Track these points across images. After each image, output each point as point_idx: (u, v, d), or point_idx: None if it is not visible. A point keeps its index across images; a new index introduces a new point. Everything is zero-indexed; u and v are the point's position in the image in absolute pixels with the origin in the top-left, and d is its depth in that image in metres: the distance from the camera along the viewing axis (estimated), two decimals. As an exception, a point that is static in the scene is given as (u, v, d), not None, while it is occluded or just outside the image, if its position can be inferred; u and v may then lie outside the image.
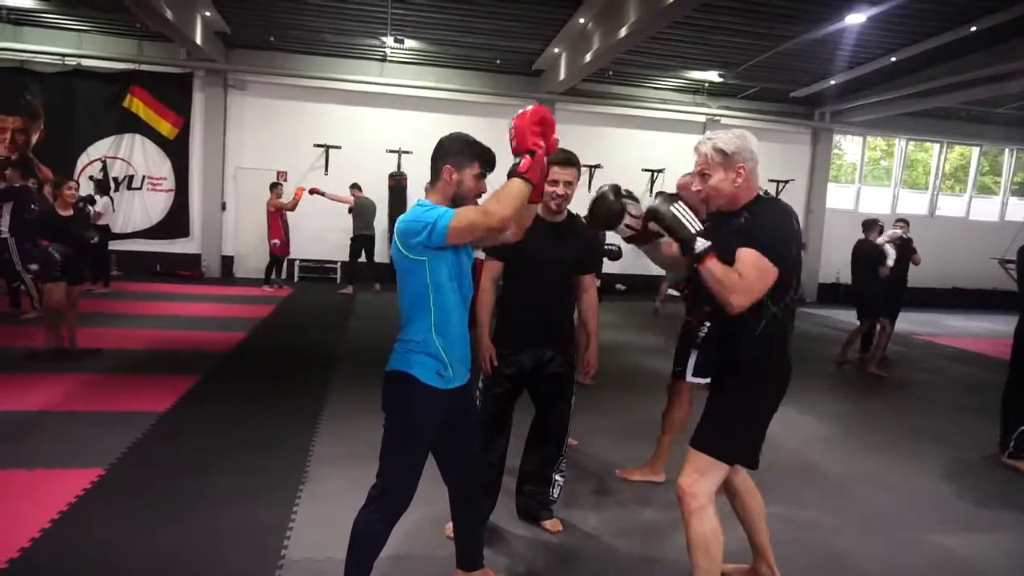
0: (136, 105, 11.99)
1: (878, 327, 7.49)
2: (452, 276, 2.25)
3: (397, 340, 2.33)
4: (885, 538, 3.36)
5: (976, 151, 15.45)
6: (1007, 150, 15.60)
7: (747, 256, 2.17)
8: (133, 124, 12.03)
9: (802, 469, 4.26)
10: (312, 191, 10.98)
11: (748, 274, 2.16)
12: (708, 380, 3.63)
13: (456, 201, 2.27)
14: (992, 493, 4.09)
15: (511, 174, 2.17)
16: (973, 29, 8.60)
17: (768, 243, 2.18)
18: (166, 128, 12.16)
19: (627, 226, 2.57)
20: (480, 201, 2.31)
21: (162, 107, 12.09)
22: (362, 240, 11.02)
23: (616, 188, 2.57)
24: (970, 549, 3.30)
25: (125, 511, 3.14)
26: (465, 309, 2.35)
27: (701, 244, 2.19)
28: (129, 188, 12.07)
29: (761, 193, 2.33)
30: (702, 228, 2.22)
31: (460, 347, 2.33)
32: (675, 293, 6.00)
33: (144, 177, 12.18)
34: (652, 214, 2.30)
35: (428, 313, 2.24)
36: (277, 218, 10.86)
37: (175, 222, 12.34)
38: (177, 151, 12.23)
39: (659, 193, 2.34)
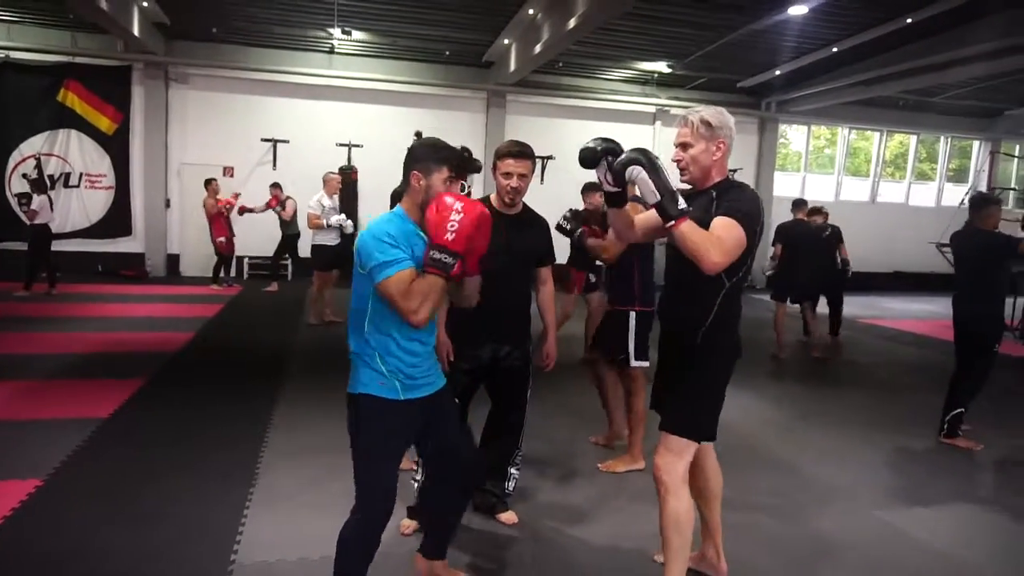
0: (71, 99, 11.49)
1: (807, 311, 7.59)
2: None
3: (352, 352, 2.25)
4: (831, 515, 3.45)
5: (914, 139, 15.99)
6: (942, 138, 16.19)
7: (722, 221, 2.19)
8: (69, 119, 11.53)
9: (753, 451, 4.35)
10: (241, 210, 10.41)
11: (724, 236, 2.17)
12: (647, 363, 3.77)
13: (426, 207, 2.18)
14: (932, 469, 4.25)
15: (433, 266, 2.07)
16: (909, 21, 8.88)
17: (741, 214, 2.21)
18: (104, 123, 11.69)
19: (605, 179, 2.36)
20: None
21: (99, 101, 11.62)
22: (292, 240, 10.55)
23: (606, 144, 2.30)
24: (910, 522, 3.42)
25: (66, 521, 3.02)
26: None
27: (681, 203, 2.14)
28: (66, 186, 11.59)
29: (729, 177, 2.39)
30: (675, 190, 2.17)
31: (426, 357, 2.28)
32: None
33: (82, 174, 11.70)
34: (631, 161, 2.17)
35: (379, 322, 2.18)
36: (219, 216, 10.50)
37: (116, 220, 11.90)
38: (117, 147, 11.78)
39: (636, 149, 2.23)
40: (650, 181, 2.13)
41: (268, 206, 10.20)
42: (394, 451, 2.28)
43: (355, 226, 8.24)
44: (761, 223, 2.32)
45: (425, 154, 2.23)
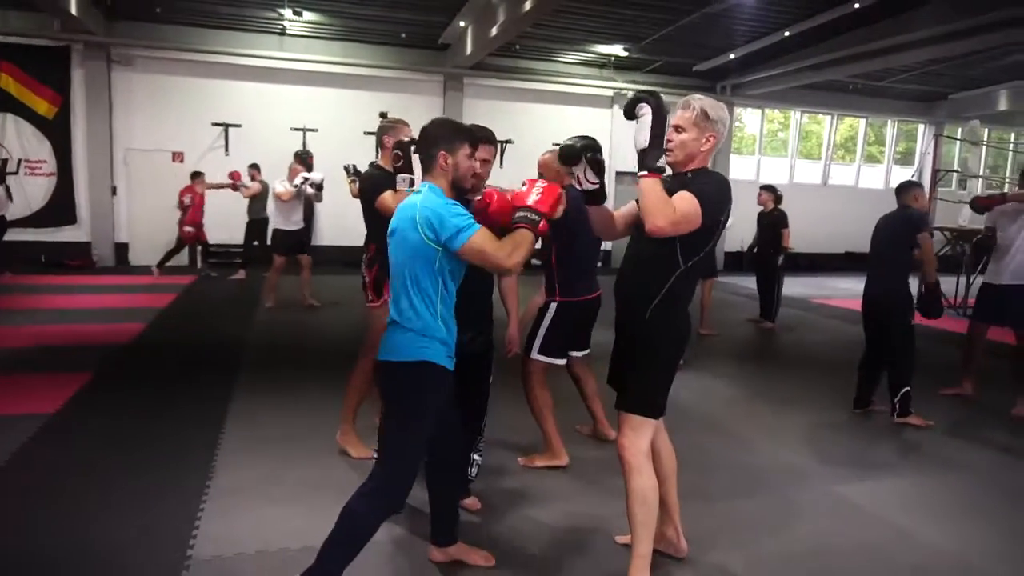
0: (6, 81, 10.97)
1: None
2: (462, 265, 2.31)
3: (401, 323, 2.28)
4: (786, 491, 3.54)
5: (863, 123, 16.41)
6: (889, 122, 16.65)
7: (683, 194, 2.25)
8: (4, 103, 11.02)
9: (709, 429, 4.43)
10: (233, 182, 10.15)
11: (678, 205, 2.22)
12: (561, 360, 3.69)
13: (456, 184, 2.31)
14: (880, 444, 4.40)
15: (521, 221, 2.26)
16: (856, 6, 9.06)
17: (704, 195, 2.25)
18: (43, 107, 11.20)
19: (584, 177, 2.35)
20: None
21: (36, 84, 11.12)
22: (262, 224, 10.25)
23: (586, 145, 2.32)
24: (860, 495, 3.53)
25: (9, 522, 2.91)
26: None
27: (662, 162, 2.23)
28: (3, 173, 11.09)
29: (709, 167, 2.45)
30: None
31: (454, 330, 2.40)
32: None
33: (20, 160, 11.22)
34: (642, 99, 2.20)
35: (438, 298, 2.30)
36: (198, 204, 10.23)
37: (60, 208, 11.45)
38: (57, 132, 11.31)
39: (650, 91, 2.28)
40: (650, 125, 2.18)
41: (231, 177, 10.00)
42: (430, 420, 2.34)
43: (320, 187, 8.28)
44: (727, 212, 2.36)
45: (447, 134, 2.31)
